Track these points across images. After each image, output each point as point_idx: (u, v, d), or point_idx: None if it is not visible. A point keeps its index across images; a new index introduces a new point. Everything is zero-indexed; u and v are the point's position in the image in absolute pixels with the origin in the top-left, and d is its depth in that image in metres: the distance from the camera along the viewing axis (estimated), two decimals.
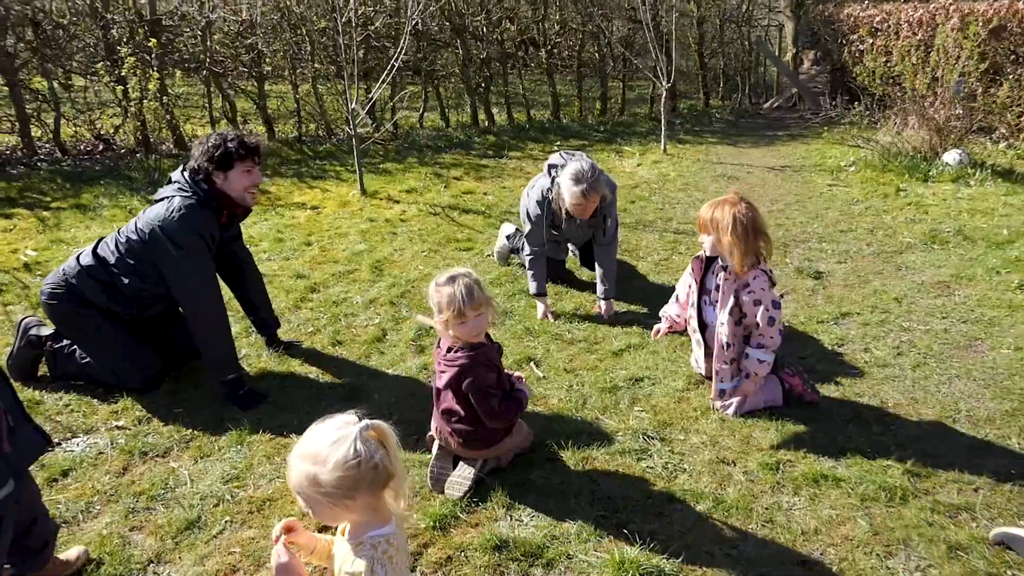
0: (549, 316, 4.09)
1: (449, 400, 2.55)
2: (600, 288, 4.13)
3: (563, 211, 4.02)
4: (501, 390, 2.58)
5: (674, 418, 3.04)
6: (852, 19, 11.36)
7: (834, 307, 4.14)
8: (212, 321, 3.19)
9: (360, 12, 8.88)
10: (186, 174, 3.19)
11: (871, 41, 9.49)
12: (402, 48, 6.97)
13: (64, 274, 3.26)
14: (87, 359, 3.30)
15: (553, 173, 4.04)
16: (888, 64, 8.00)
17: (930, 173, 6.99)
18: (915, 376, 3.37)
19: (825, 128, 10.06)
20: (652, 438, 2.89)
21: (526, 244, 4.17)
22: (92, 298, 3.22)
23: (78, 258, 3.28)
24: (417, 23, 9.53)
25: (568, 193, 3.82)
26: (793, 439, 2.87)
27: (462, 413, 2.55)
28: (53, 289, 3.24)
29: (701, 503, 2.51)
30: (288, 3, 8.87)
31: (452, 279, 2.43)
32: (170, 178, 3.25)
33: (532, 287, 4.17)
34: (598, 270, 4.16)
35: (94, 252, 3.28)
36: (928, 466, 2.69)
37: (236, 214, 3.34)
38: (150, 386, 3.30)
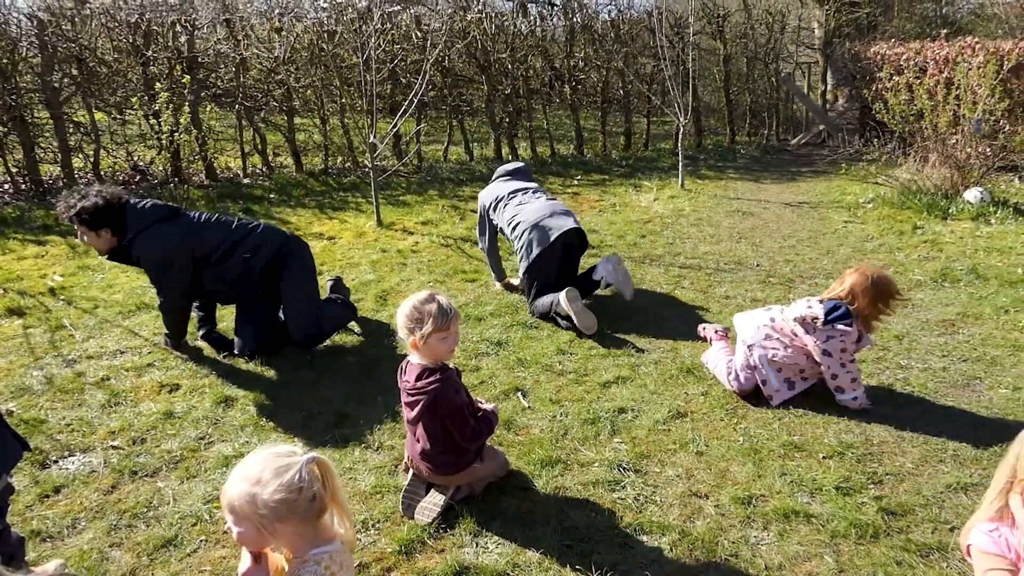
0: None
1: (420, 428, 2.61)
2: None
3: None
4: (471, 411, 2.64)
5: (652, 450, 3.05)
6: (880, 56, 11.33)
7: None
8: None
9: (387, 49, 9.19)
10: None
11: (895, 79, 9.45)
12: (422, 83, 7.17)
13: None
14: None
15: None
16: (909, 102, 7.95)
17: (950, 211, 6.90)
18: (905, 415, 3.32)
19: (845, 164, 9.99)
20: (627, 469, 2.91)
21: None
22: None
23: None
24: (444, 59, 9.82)
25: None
26: (769, 474, 2.86)
27: (431, 440, 2.60)
28: None
29: (668, 535, 2.52)
30: (318, 41, 9.22)
31: (431, 297, 2.52)
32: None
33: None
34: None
35: None
36: (905, 504, 2.66)
37: None
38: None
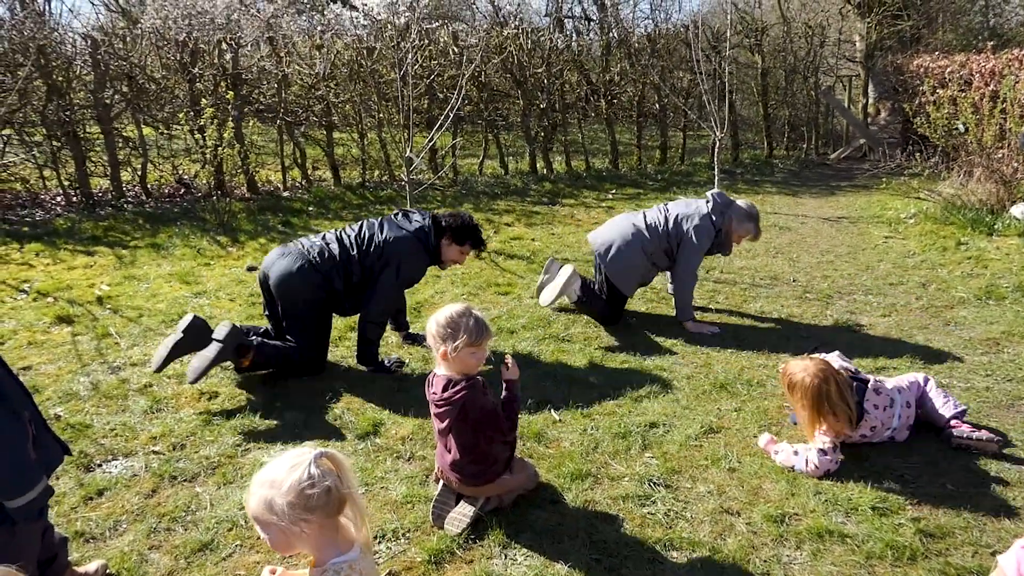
0: (715, 329, 4.63)
1: (450, 439, 2.64)
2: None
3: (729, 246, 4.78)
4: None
5: (683, 466, 3.03)
6: (923, 69, 11.14)
7: (870, 361, 4.04)
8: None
9: (424, 65, 9.32)
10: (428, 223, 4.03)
11: (939, 92, 9.28)
12: (458, 98, 7.26)
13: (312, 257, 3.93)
14: (287, 343, 3.94)
15: (720, 209, 4.66)
16: (951, 115, 7.80)
17: (995, 226, 6.74)
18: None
19: (886, 179, 9.81)
20: (658, 484, 2.89)
21: (691, 276, 4.67)
22: (324, 284, 3.92)
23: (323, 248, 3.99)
24: (480, 74, 9.92)
25: (744, 228, 4.68)
26: (803, 492, 2.82)
27: (462, 451, 2.62)
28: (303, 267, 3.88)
29: (698, 552, 2.50)
30: (357, 57, 9.40)
31: (467, 310, 2.56)
32: (408, 215, 4.13)
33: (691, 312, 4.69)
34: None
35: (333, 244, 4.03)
36: (944, 527, 2.60)
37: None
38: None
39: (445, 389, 2.54)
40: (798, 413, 3.09)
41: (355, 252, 3.97)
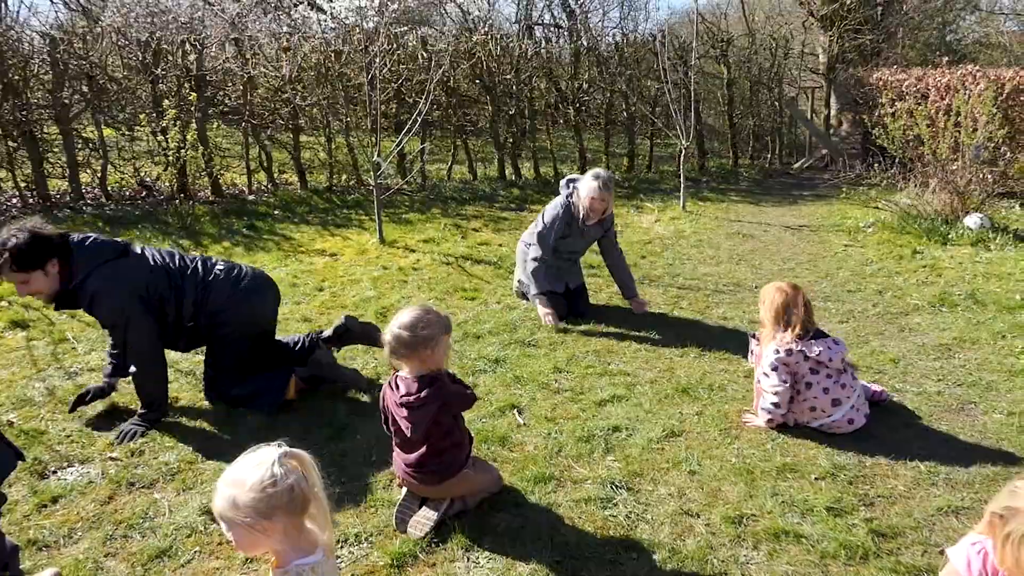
0: (550, 319, 4.64)
1: (429, 434, 2.62)
2: (625, 290, 5.07)
3: (577, 222, 4.79)
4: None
5: (645, 469, 3.07)
6: (881, 83, 11.43)
7: None
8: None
9: (393, 69, 9.30)
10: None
11: (897, 104, 9.53)
12: (426, 103, 7.27)
13: None
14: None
15: (571, 186, 4.86)
16: (909, 128, 8.01)
17: (949, 236, 6.94)
18: (899, 437, 3.34)
19: (846, 189, 10.05)
20: (620, 487, 2.93)
21: (533, 249, 4.83)
22: None
23: None
24: (449, 79, 9.93)
25: (590, 189, 4.68)
26: (761, 494, 2.87)
27: (430, 447, 2.62)
28: None
29: (658, 552, 2.53)
30: (325, 60, 9.34)
31: (428, 309, 2.63)
32: None
33: (533, 289, 4.76)
34: (617, 275, 5.10)
35: None
36: (896, 527, 2.67)
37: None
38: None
39: (420, 388, 2.54)
40: (763, 319, 3.51)
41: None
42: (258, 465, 1.59)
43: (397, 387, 2.61)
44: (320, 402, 3.72)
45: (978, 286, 5.54)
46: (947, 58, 10.41)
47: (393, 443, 2.74)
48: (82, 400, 3.50)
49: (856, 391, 3.40)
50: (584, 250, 5.18)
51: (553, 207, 4.87)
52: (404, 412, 2.60)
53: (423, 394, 2.54)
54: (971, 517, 2.72)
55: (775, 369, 3.34)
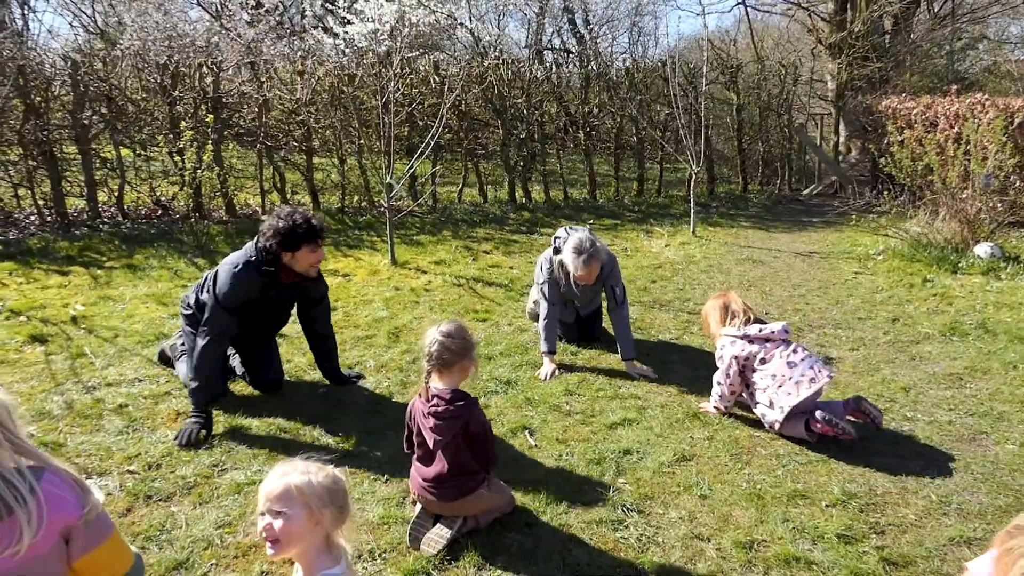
0: (549, 377, 4.38)
1: (445, 450, 2.66)
2: (622, 352, 4.52)
3: (570, 278, 4.54)
4: None
5: (656, 492, 3.09)
6: (891, 110, 11.51)
7: (838, 393, 4.14)
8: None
9: (405, 93, 9.44)
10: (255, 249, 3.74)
11: (905, 132, 9.60)
12: (439, 127, 7.37)
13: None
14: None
15: (556, 243, 4.59)
16: (918, 157, 8.06)
17: (960, 265, 6.95)
18: (910, 466, 3.34)
19: (856, 216, 10.08)
20: (631, 510, 2.94)
21: (542, 300, 4.61)
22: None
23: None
24: (460, 103, 10.07)
25: (571, 263, 4.37)
26: (772, 520, 2.88)
27: (452, 463, 2.66)
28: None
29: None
30: (339, 84, 9.49)
31: (462, 324, 2.73)
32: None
33: (543, 346, 4.51)
34: (617, 336, 4.58)
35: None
36: (907, 556, 2.68)
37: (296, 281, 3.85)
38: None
39: (452, 401, 2.60)
40: (706, 328, 4.00)
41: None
42: (320, 468, 1.70)
43: (429, 398, 2.68)
44: (331, 421, 3.75)
45: (989, 315, 5.55)
46: (956, 86, 10.49)
47: (413, 458, 2.78)
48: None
49: (807, 352, 3.70)
50: (592, 295, 4.87)
51: (541, 270, 4.63)
52: (431, 422, 2.65)
53: (454, 407, 2.61)
54: (983, 548, 2.72)
55: (722, 359, 3.76)
